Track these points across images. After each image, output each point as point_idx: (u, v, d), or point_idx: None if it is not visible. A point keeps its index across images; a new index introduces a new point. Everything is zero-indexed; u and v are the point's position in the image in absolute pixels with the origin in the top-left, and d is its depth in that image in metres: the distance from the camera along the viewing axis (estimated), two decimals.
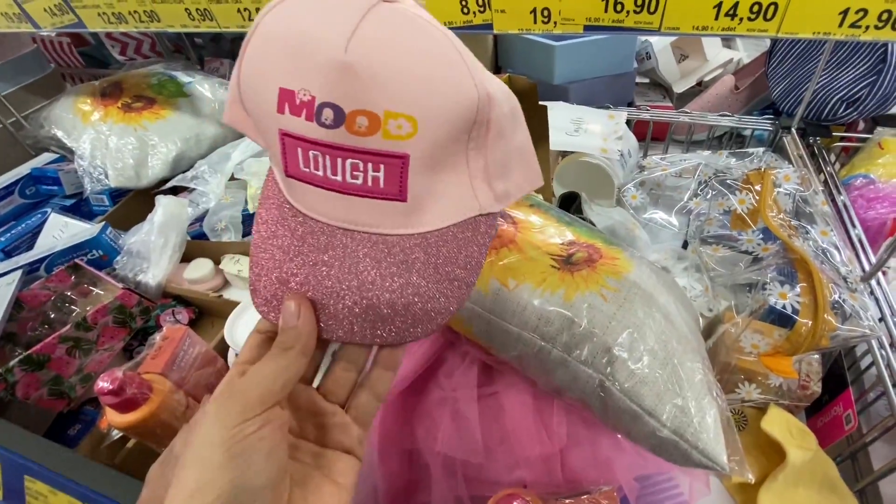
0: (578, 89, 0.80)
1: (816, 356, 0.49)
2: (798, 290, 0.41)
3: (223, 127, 0.85)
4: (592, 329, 0.33)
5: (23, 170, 0.83)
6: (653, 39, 0.86)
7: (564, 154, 0.73)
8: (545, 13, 0.36)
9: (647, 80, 0.96)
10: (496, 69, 0.88)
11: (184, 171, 0.79)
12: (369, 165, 0.22)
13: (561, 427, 0.40)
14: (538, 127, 0.56)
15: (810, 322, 0.40)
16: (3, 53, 0.89)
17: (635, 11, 0.35)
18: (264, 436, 0.20)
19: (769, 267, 0.46)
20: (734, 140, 0.83)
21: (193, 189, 0.75)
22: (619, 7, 0.35)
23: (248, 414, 0.20)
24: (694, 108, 0.87)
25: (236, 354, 0.41)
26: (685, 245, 0.65)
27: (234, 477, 0.19)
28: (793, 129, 0.71)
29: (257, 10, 0.42)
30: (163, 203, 0.65)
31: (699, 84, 0.94)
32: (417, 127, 0.21)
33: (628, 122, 0.80)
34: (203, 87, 0.86)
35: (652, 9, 0.34)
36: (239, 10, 0.41)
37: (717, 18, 0.34)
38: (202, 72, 0.94)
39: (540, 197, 0.64)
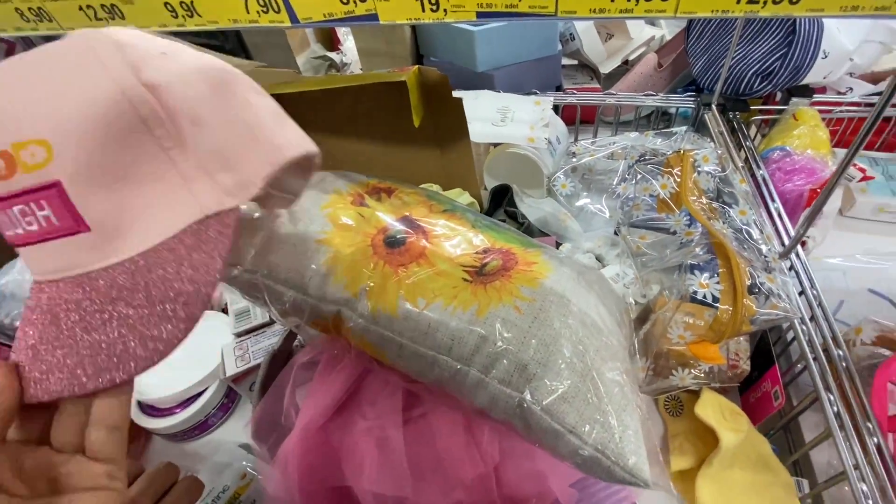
0: (504, 76, 0.78)
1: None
2: (717, 276, 0.41)
3: None
4: (507, 346, 0.30)
5: None
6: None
7: (496, 146, 0.71)
8: (433, 1, 0.33)
9: (575, 62, 0.95)
10: (418, 58, 0.84)
11: None
12: (33, 206, 0.20)
13: (493, 444, 0.38)
14: (454, 120, 0.53)
15: (730, 308, 0.40)
16: None
17: None
18: None
19: (693, 251, 0.45)
20: (661, 119, 0.83)
21: None
22: None
23: None
24: (621, 89, 0.87)
25: None
26: (618, 231, 0.64)
27: None
28: (713, 106, 0.71)
29: (103, 6, 0.36)
30: None
31: (626, 63, 0.94)
32: (52, 148, 0.20)
33: (556, 108, 0.78)
34: None
35: None
36: (81, 8, 0.36)
37: (613, 0, 0.31)
38: None
39: (467, 197, 0.62)
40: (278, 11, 0.35)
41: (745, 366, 0.49)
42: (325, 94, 0.51)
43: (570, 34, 0.85)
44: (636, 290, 0.55)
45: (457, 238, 0.36)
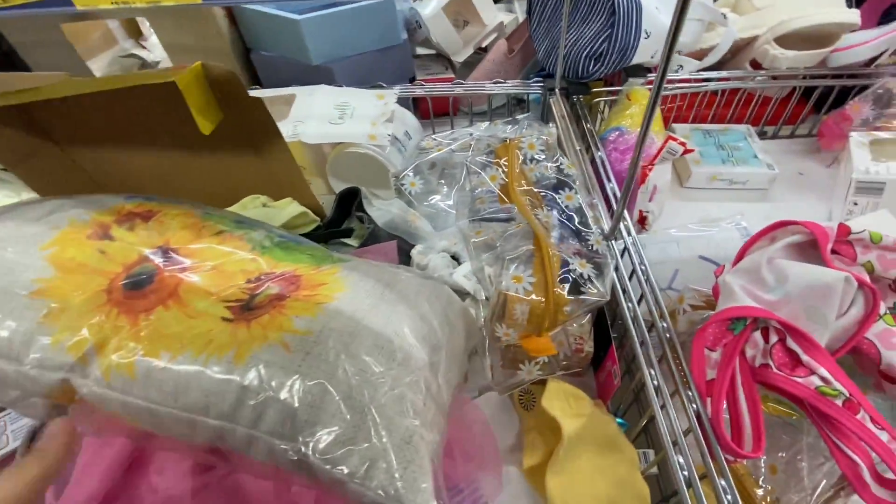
0: (345, 69, 0.72)
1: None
2: (531, 268, 0.40)
3: None
4: (271, 394, 0.26)
5: None
6: (419, 6, 0.81)
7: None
8: None
9: (431, 52, 0.92)
10: (245, 53, 0.76)
11: None
12: None
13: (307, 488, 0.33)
14: (259, 122, 0.47)
15: (542, 300, 0.39)
16: None
17: None
18: None
19: (516, 244, 0.44)
20: (518, 107, 0.83)
21: None
22: None
23: None
24: (476, 77, 0.85)
25: None
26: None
27: None
28: (556, 90, 0.72)
29: None
30: None
31: (483, 51, 0.93)
32: None
33: (415, 101, 0.75)
34: None
35: None
36: None
37: None
38: None
39: (296, 207, 0.56)
40: None
41: (589, 348, 0.49)
42: (105, 99, 0.43)
43: (417, 22, 0.82)
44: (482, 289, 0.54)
45: (228, 264, 0.31)
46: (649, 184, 0.61)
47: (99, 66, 0.80)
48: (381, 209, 0.60)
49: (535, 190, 0.51)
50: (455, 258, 0.60)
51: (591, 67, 0.68)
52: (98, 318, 0.27)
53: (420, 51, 0.90)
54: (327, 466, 0.25)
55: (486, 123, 0.72)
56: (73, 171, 0.53)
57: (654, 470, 0.45)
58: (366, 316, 0.30)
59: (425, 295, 0.37)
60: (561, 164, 0.57)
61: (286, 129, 0.60)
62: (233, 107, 0.45)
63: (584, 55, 0.68)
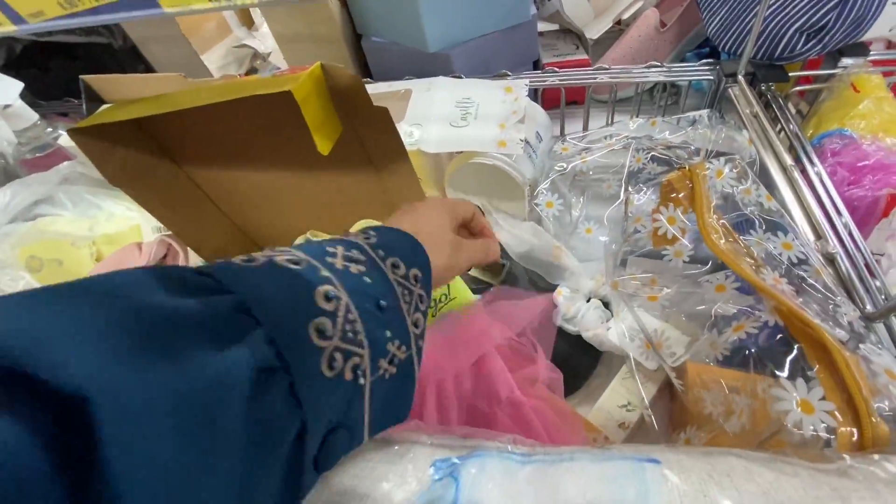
0: (464, 55, 0.60)
1: None
2: (820, 389, 0.25)
3: None
4: None
5: None
6: None
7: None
8: None
9: (555, 27, 0.76)
10: (356, 39, 0.65)
11: None
12: None
13: None
14: (382, 133, 0.36)
15: (854, 430, 0.24)
16: None
17: None
18: None
19: (750, 331, 0.29)
20: (669, 92, 0.65)
21: None
22: None
23: None
24: (614, 58, 0.69)
25: None
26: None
27: None
28: (740, 76, 0.54)
29: None
30: None
31: (619, 24, 0.75)
32: None
33: (535, 91, 0.61)
34: None
35: None
36: None
37: None
38: None
39: None
40: None
41: None
42: (218, 109, 0.34)
43: None
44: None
45: None
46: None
47: (213, 58, 0.74)
48: (516, 236, 0.47)
49: (743, 242, 0.36)
50: (605, 305, 0.46)
51: (800, 45, 0.50)
52: None
53: (542, 27, 0.75)
54: None
55: (637, 121, 0.57)
56: (188, 189, 0.47)
57: None
58: None
59: None
60: (760, 193, 0.41)
61: (402, 133, 0.49)
62: (352, 116, 0.35)
63: (793, 29, 0.49)
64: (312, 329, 0.18)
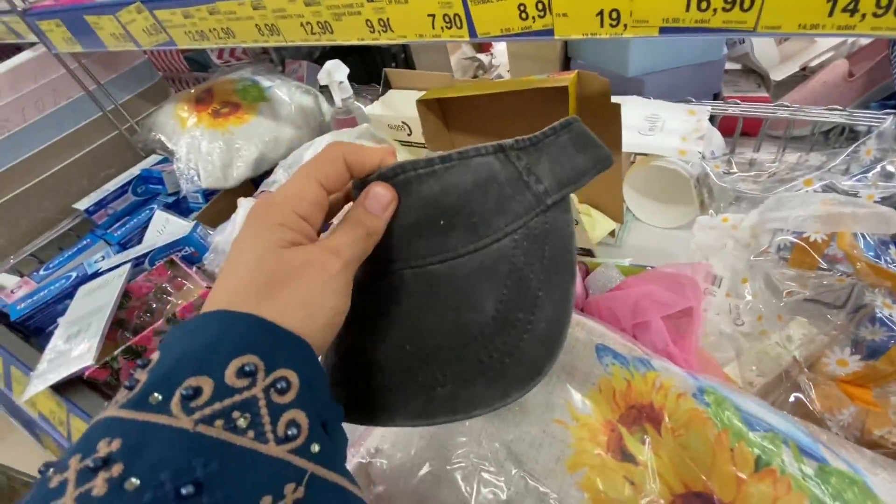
0: (655, 81, 0.74)
1: None
2: None
3: (299, 129, 0.90)
4: None
5: (134, 171, 0.94)
6: None
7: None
8: (614, 15, 0.34)
9: (738, 67, 0.86)
10: (566, 60, 0.84)
11: (265, 171, 0.85)
12: None
13: None
14: (611, 130, 0.52)
15: None
16: (120, 66, 1.00)
17: (724, 9, 0.31)
18: None
19: None
20: (846, 137, 0.72)
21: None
22: (703, 5, 0.32)
23: None
24: (796, 99, 0.77)
25: None
26: None
27: None
28: None
29: (318, 23, 0.44)
30: (243, 205, 0.71)
31: (803, 69, 0.83)
32: None
33: (713, 118, 0.73)
34: (282, 91, 0.92)
35: (746, 6, 0.31)
36: (302, 24, 0.44)
37: (831, 15, 0.29)
38: (281, 75, 1.00)
39: (608, 223, 0.60)
40: (460, 27, 0.38)
41: None
42: (484, 101, 0.54)
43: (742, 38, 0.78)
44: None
45: None
46: None
47: (451, 64, 0.98)
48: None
49: None
50: None
51: None
52: None
53: (728, 65, 0.86)
54: None
55: (816, 158, 0.65)
56: (449, 147, 0.69)
57: None
58: None
59: None
60: None
61: None
62: (590, 114, 0.52)
63: None
64: None
